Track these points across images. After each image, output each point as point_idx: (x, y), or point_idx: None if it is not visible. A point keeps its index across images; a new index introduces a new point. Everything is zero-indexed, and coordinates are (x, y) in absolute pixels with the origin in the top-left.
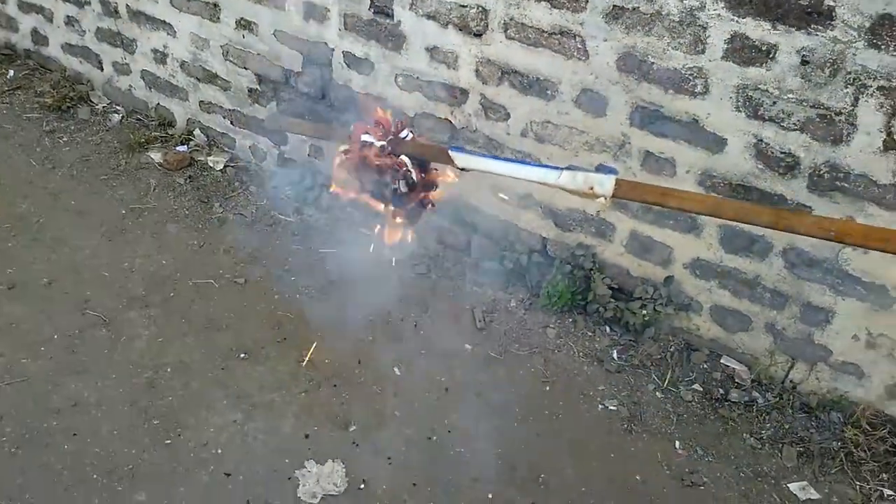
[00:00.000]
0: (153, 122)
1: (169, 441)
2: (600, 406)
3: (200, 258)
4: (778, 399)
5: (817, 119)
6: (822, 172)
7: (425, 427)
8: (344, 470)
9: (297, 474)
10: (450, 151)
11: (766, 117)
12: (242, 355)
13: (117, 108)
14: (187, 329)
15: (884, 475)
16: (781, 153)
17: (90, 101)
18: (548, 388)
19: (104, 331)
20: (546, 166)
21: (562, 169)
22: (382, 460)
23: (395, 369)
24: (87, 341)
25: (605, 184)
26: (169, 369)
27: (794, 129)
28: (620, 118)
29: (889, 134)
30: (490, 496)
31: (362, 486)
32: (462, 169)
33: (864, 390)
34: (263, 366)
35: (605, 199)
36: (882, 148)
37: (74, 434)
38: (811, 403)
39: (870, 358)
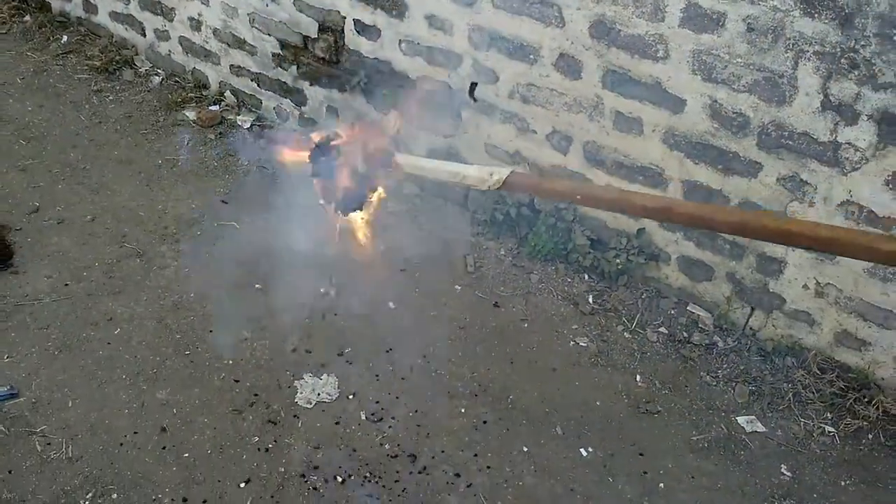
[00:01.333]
0: (189, 84)
1: (188, 352)
2: (571, 342)
3: (225, 205)
4: (737, 343)
5: (763, 81)
6: (769, 131)
7: (412, 353)
8: (337, 382)
9: (296, 384)
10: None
11: (719, 80)
12: (257, 286)
13: (158, 70)
14: (210, 262)
15: (828, 414)
16: (733, 113)
17: (134, 64)
18: (526, 325)
19: (138, 261)
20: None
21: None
22: (371, 377)
23: (391, 304)
24: (123, 269)
25: (502, 173)
26: (192, 294)
27: (744, 91)
28: (594, 80)
29: (826, 95)
30: (462, 410)
31: (351, 396)
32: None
33: (816, 337)
34: (275, 294)
35: (496, 184)
36: (820, 108)
37: (108, 343)
38: (767, 349)
39: (819, 306)
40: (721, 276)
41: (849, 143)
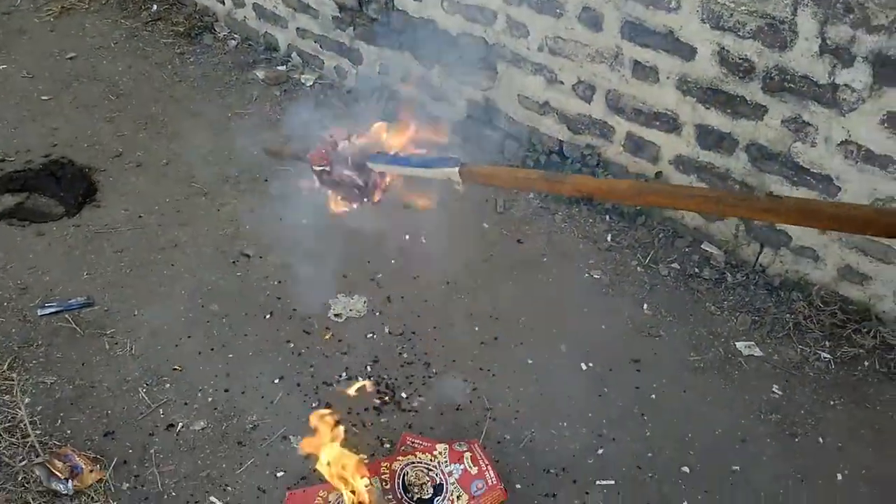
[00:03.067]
0: (261, 47)
1: (240, 273)
2: (586, 274)
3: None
4: (745, 279)
5: (766, 28)
6: (773, 75)
7: (437, 280)
8: (365, 301)
9: (329, 301)
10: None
11: (726, 27)
12: (304, 221)
13: (234, 35)
14: (266, 201)
15: (826, 343)
16: (739, 59)
17: (214, 29)
18: (545, 260)
19: (203, 198)
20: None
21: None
22: (397, 299)
23: (422, 239)
24: (190, 204)
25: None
26: (248, 226)
27: (749, 38)
28: (614, 31)
29: (823, 39)
30: (477, 329)
31: (377, 314)
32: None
33: (821, 272)
34: (319, 229)
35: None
36: (818, 51)
37: (172, 264)
38: (774, 284)
39: (822, 242)
40: None
41: (846, 85)
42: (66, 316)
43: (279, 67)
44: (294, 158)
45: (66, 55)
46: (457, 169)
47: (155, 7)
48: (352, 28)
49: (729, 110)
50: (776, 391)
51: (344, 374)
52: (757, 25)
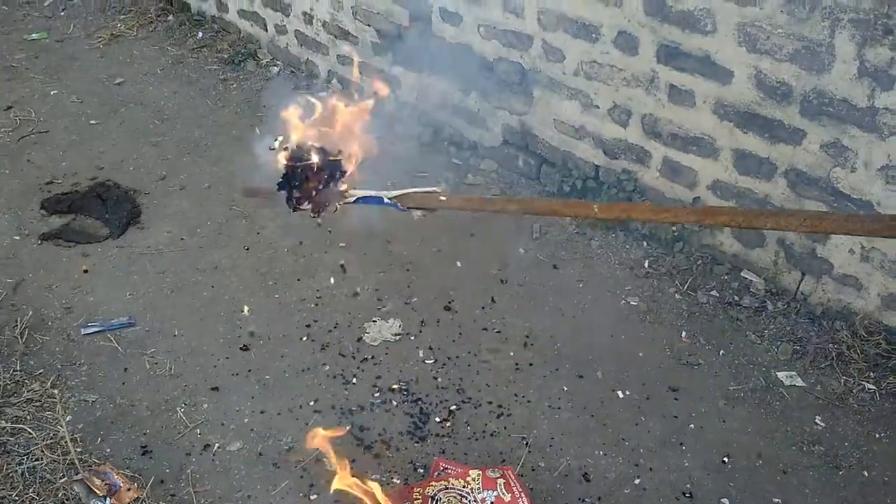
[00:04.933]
0: (303, 73)
1: (277, 295)
2: (622, 301)
3: None
4: (786, 307)
5: (803, 50)
6: (810, 98)
7: (471, 305)
8: (400, 324)
9: (365, 325)
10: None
11: (763, 50)
12: (342, 244)
13: (277, 62)
14: (306, 223)
15: (870, 374)
16: (777, 82)
17: (257, 56)
18: (581, 286)
19: (244, 221)
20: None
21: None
22: (432, 323)
23: (458, 263)
24: (230, 227)
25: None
26: (286, 249)
27: (786, 61)
28: (649, 55)
29: (861, 61)
30: (511, 354)
31: (412, 337)
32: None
33: (864, 301)
34: (355, 252)
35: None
36: (857, 74)
37: (212, 286)
38: (816, 312)
39: (865, 270)
40: (772, 241)
41: (886, 108)
42: (109, 335)
43: (321, 94)
44: (272, 194)
45: (115, 81)
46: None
47: (200, 34)
48: (391, 54)
49: (767, 134)
50: (819, 422)
51: (378, 395)
52: (794, 48)
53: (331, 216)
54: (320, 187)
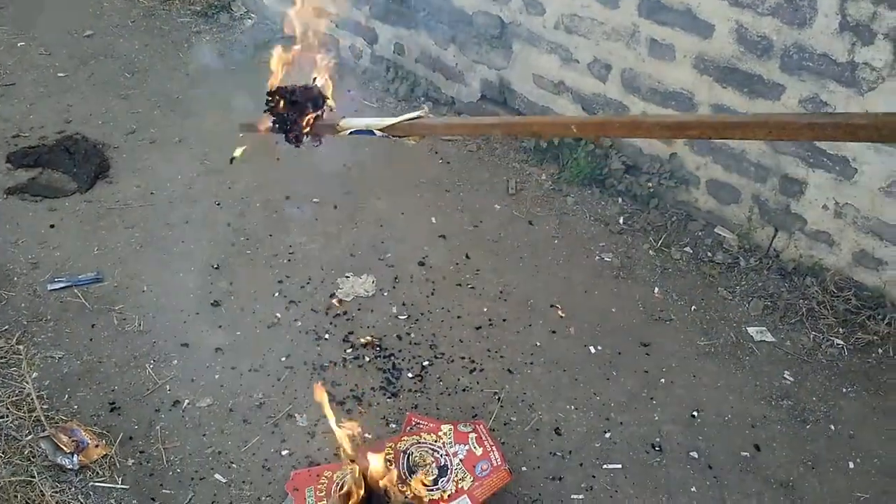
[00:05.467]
0: (277, 27)
1: (249, 251)
2: (597, 257)
3: None
4: (758, 263)
5: (785, 4)
6: (791, 53)
7: (446, 261)
8: (373, 281)
9: (338, 280)
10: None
11: (745, 4)
12: (315, 200)
13: (251, 15)
14: (278, 177)
15: (839, 329)
16: (758, 36)
17: (231, 9)
18: (556, 242)
19: (215, 176)
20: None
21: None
22: (406, 279)
23: (433, 219)
24: (201, 182)
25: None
26: (258, 203)
27: (767, 14)
28: (630, 9)
29: (843, 15)
30: (485, 310)
31: (385, 293)
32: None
33: (835, 257)
34: (330, 207)
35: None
36: (838, 28)
37: (182, 241)
38: (788, 268)
39: (838, 226)
40: (747, 197)
41: (865, 63)
42: (76, 291)
43: (295, 47)
44: (269, 131)
45: (84, 33)
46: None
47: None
48: (368, 7)
49: (746, 89)
50: (788, 377)
51: (350, 351)
52: (776, 2)
53: (308, 167)
54: (312, 120)
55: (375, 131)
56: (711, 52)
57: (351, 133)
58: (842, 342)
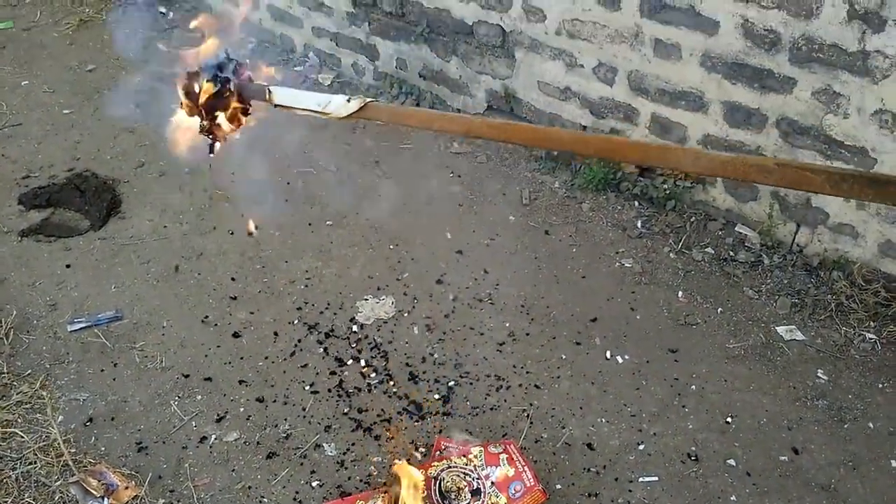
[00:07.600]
0: (278, 49)
1: (266, 279)
2: (617, 263)
3: (304, 154)
4: (782, 260)
5: None
6: (799, 45)
7: (464, 277)
8: (392, 302)
9: (357, 304)
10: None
11: None
12: (328, 222)
13: (251, 39)
14: (290, 204)
15: (870, 323)
16: (765, 30)
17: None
18: (574, 250)
19: (227, 206)
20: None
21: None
22: (425, 299)
23: (448, 234)
24: (213, 212)
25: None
26: (271, 230)
27: (773, 7)
28: (632, 10)
29: (851, 4)
30: (507, 324)
31: (406, 314)
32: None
33: (861, 250)
34: (343, 229)
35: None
36: (847, 17)
37: (198, 274)
38: (813, 264)
39: (861, 218)
40: (766, 194)
41: (877, 51)
42: (96, 331)
43: (297, 68)
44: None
45: (86, 68)
46: (366, 100)
47: (171, 15)
48: (367, 24)
49: (756, 85)
50: (821, 376)
51: (374, 376)
52: None
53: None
54: (233, 90)
55: (318, 108)
56: (718, 49)
57: (276, 106)
58: (874, 336)
